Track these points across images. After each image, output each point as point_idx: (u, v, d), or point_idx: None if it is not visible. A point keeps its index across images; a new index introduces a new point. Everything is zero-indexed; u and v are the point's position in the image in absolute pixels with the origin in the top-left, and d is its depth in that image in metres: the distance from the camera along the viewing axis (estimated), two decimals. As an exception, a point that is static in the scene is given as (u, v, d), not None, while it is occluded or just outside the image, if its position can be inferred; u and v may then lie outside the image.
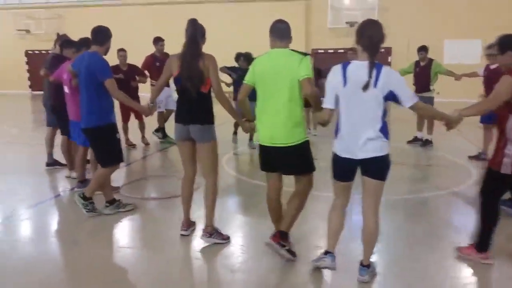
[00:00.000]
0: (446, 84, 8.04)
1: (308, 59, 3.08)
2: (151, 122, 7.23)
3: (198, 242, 3.69)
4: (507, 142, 3.11)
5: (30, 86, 21.83)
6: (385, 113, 2.85)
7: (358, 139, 2.83)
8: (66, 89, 4.90)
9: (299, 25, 17.47)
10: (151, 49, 7.90)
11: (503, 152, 3.11)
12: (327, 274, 3.13)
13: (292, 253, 3.28)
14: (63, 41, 5.50)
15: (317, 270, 3.14)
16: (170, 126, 7.22)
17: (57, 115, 5.49)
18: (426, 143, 7.73)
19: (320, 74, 8.74)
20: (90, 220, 4.14)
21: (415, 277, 3.10)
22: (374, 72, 2.74)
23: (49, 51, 6.10)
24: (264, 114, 3.22)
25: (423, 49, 7.73)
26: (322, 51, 17.80)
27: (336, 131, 2.98)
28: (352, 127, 2.86)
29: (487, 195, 3.29)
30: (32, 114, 13.63)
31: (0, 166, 6.44)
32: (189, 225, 3.84)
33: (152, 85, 7.75)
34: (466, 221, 3.90)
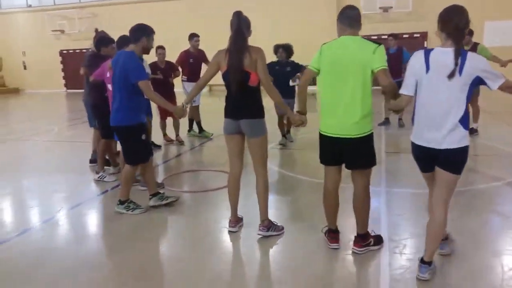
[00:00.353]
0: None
1: (382, 49, 2.94)
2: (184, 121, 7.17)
3: (249, 237, 3.62)
4: None
5: (65, 85, 22.49)
6: (467, 100, 2.68)
7: (438, 128, 2.69)
8: (109, 87, 4.78)
9: (331, 12, 17.11)
10: (187, 45, 7.87)
11: None
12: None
13: (379, 242, 3.32)
14: (98, 39, 5.44)
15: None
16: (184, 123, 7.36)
17: (98, 115, 5.43)
18: (472, 131, 7.35)
19: None
20: (134, 217, 4.14)
21: (466, 274, 2.91)
22: (459, 60, 2.59)
23: (89, 49, 6.04)
24: (333, 103, 3.07)
25: (468, 33, 7.29)
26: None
27: (413, 118, 2.85)
28: (433, 115, 2.72)
29: None
30: (70, 113, 13.95)
31: (43, 164, 6.58)
32: (237, 221, 3.78)
33: (183, 81, 7.78)
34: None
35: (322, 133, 3.17)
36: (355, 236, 3.30)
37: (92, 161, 6.15)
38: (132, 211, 4.21)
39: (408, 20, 16.52)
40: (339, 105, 3.02)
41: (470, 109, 7.23)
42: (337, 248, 3.30)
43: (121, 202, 4.23)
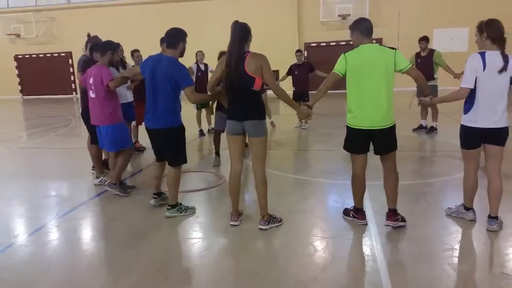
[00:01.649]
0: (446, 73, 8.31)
1: (399, 52, 3.57)
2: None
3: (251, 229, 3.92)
4: None
5: (21, 91, 21.70)
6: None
7: (495, 112, 3.53)
8: (91, 94, 4.83)
9: (291, 19, 17.79)
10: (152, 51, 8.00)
11: None
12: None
13: (403, 219, 3.82)
14: (92, 45, 5.36)
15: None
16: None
17: (86, 121, 5.35)
18: (432, 130, 8.10)
19: (312, 67, 9.15)
20: (138, 216, 4.35)
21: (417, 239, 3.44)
22: (503, 59, 3.44)
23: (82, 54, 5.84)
24: (363, 101, 3.57)
25: (424, 39, 7.95)
26: (315, 44, 18.12)
27: (468, 107, 3.60)
28: (490, 103, 3.52)
29: None
30: (30, 120, 13.52)
31: (28, 171, 6.54)
32: (238, 215, 4.05)
33: None
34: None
35: (353, 127, 3.66)
36: (388, 212, 3.79)
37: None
38: (185, 212, 4.30)
39: (365, 27, 17.43)
40: (370, 102, 3.56)
41: (430, 110, 7.99)
42: (366, 224, 3.87)
43: (172, 206, 4.29)
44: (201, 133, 8.73)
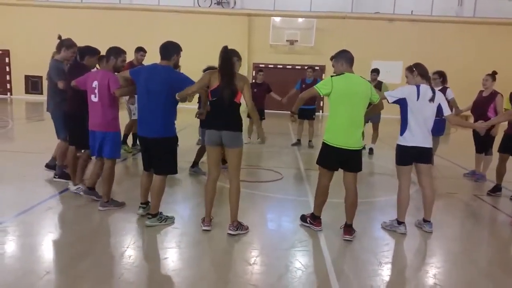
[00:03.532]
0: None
1: (372, 86, 4.15)
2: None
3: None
4: None
5: None
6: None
7: (424, 133, 4.26)
8: (93, 98, 4.65)
9: (242, 40, 18.28)
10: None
11: None
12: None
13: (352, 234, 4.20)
14: (83, 49, 5.25)
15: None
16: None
17: (73, 124, 5.17)
18: (371, 151, 8.85)
19: (269, 89, 9.53)
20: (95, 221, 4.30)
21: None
22: (431, 92, 4.25)
23: (54, 57, 5.65)
24: (342, 123, 4.02)
25: (375, 71, 8.69)
26: (263, 65, 18.71)
27: (403, 129, 4.30)
28: (422, 126, 4.25)
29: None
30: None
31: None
32: (210, 221, 4.24)
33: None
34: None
35: (331, 144, 4.06)
36: (345, 227, 4.18)
37: (51, 166, 5.98)
38: (165, 222, 4.34)
39: (310, 53, 18.41)
40: (347, 124, 4.00)
41: (371, 132, 8.68)
42: (321, 230, 4.31)
43: (153, 215, 4.30)
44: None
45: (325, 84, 4.03)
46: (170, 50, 4.20)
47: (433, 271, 3.62)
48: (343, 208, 4.22)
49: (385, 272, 3.56)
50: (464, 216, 5.27)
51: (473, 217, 5.24)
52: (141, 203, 4.59)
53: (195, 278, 3.32)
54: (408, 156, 4.31)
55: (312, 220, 4.37)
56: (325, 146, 4.13)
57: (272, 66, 18.78)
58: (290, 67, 18.62)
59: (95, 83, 4.61)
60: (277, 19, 18.55)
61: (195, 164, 6.51)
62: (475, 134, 6.77)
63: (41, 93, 20.00)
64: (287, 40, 18.13)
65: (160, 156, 4.24)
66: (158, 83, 4.08)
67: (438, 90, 7.69)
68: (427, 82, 4.29)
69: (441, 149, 8.39)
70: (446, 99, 8.03)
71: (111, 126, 4.67)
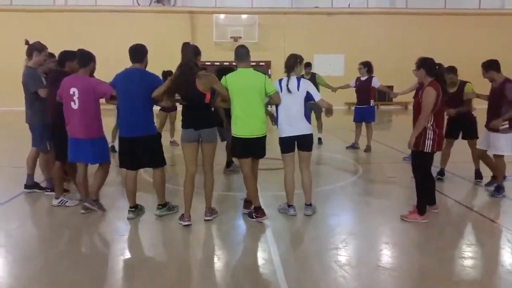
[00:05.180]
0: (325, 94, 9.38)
1: (267, 77, 4.39)
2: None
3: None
4: (425, 130, 4.29)
5: None
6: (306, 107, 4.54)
7: (294, 122, 4.47)
8: (73, 105, 4.46)
9: (185, 38, 17.90)
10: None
11: (425, 137, 4.29)
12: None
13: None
14: (63, 54, 4.97)
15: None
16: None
17: (57, 136, 4.82)
18: (319, 141, 9.21)
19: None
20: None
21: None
22: (296, 82, 4.44)
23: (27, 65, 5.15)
24: (239, 115, 4.29)
25: (309, 64, 8.98)
26: (209, 63, 18.58)
27: (276, 122, 4.56)
28: (290, 116, 4.46)
29: (419, 172, 4.47)
30: None
31: None
32: (190, 216, 4.37)
33: None
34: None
35: (237, 136, 4.36)
36: (256, 207, 4.47)
37: (29, 186, 5.43)
38: (173, 210, 4.68)
39: (254, 50, 18.36)
40: (247, 115, 4.30)
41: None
42: (267, 218, 4.46)
43: (163, 205, 4.62)
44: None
45: (222, 82, 4.34)
46: (142, 52, 4.39)
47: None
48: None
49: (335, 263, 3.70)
50: (400, 202, 5.52)
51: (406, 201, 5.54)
52: (130, 207, 4.58)
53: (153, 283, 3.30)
54: (287, 145, 4.53)
55: (256, 213, 4.47)
56: (233, 138, 4.47)
57: (218, 63, 18.67)
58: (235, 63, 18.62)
59: (72, 90, 4.44)
60: (220, 16, 18.53)
61: (229, 164, 6.60)
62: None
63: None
64: (231, 37, 18.14)
65: (148, 152, 4.44)
66: (136, 84, 4.27)
67: (365, 79, 8.38)
68: (288, 73, 4.48)
69: (380, 135, 8.80)
70: (373, 87, 8.46)
71: (100, 131, 4.65)
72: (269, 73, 18.22)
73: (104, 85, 4.55)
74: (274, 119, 4.66)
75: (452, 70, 5.71)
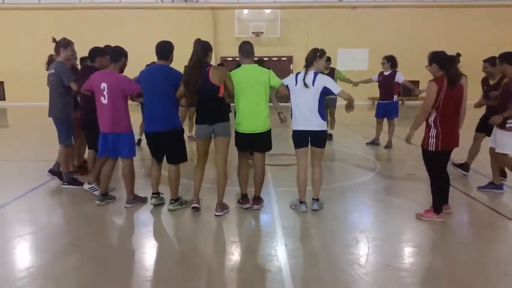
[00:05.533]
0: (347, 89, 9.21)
1: (272, 71, 4.42)
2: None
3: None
4: (430, 128, 4.15)
5: None
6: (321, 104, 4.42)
7: (308, 117, 4.42)
8: (103, 100, 4.55)
9: (207, 34, 18.11)
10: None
11: (428, 135, 4.17)
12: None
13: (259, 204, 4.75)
14: (93, 50, 5.19)
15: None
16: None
17: (90, 128, 5.05)
18: (330, 137, 9.01)
19: None
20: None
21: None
22: (313, 76, 4.35)
23: (55, 60, 5.43)
24: (247, 110, 4.37)
25: (328, 59, 8.82)
26: (231, 58, 18.59)
27: (291, 115, 4.50)
28: (304, 110, 4.39)
29: (431, 171, 4.33)
30: None
31: None
32: (198, 199, 4.64)
33: None
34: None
35: (240, 131, 4.46)
36: (254, 199, 4.71)
37: (55, 172, 5.75)
38: (185, 205, 4.75)
39: (277, 45, 18.44)
40: (250, 111, 4.37)
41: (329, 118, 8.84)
42: (250, 207, 4.68)
43: (175, 200, 4.71)
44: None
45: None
46: (169, 49, 4.46)
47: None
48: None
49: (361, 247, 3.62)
50: (418, 199, 5.35)
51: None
52: (153, 193, 4.81)
53: (162, 273, 3.32)
54: (299, 139, 4.50)
55: (242, 200, 4.72)
56: (237, 133, 4.52)
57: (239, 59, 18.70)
58: (256, 58, 18.50)
59: (103, 85, 4.52)
60: (242, 11, 18.48)
61: None
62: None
63: (3, 99, 19.45)
64: (252, 32, 18.07)
65: (171, 147, 4.56)
66: (161, 80, 4.37)
67: (388, 73, 8.15)
68: (307, 67, 4.40)
69: (403, 131, 8.55)
70: (397, 82, 8.24)
71: (124, 127, 4.66)
72: (291, 68, 18.11)
73: (132, 82, 4.60)
74: (283, 119, 4.63)
75: (489, 60, 5.51)
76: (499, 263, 3.54)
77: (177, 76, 4.39)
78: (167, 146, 4.55)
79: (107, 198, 4.92)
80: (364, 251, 3.73)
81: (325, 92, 4.37)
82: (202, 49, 4.22)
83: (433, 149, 4.15)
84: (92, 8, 18.47)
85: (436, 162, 4.27)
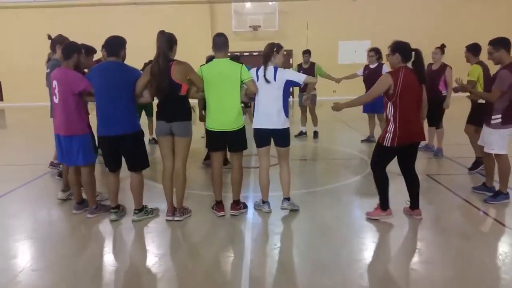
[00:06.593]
0: (332, 86, 8.84)
1: (244, 66, 4.13)
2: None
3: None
4: (388, 122, 3.93)
5: None
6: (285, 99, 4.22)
7: (271, 115, 4.20)
8: (55, 99, 4.28)
9: (205, 29, 17.81)
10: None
11: (386, 130, 3.94)
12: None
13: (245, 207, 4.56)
14: (85, 49, 4.87)
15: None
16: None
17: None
18: (315, 134, 8.78)
19: None
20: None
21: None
22: (273, 71, 4.13)
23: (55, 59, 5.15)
24: (217, 107, 4.11)
25: (307, 52, 8.52)
26: (229, 53, 18.25)
27: (253, 112, 4.35)
28: (267, 107, 4.19)
29: (376, 166, 4.11)
30: None
31: None
32: (174, 210, 4.29)
33: None
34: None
35: (210, 129, 4.19)
36: (232, 203, 4.40)
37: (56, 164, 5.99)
38: (151, 214, 4.40)
39: (275, 38, 17.94)
40: (219, 107, 4.12)
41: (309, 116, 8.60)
42: (224, 215, 4.37)
43: (140, 210, 4.32)
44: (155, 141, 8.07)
45: (198, 72, 4.14)
46: (119, 45, 4.10)
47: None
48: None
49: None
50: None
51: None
52: (112, 208, 4.35)
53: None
54: (260, 138, 4.28)
55: (216, 206, 4.41)
56: (207, 131, 4.26)
57: (238, 53, 18.24)
58: (256, 53, 18.21)
59: (54, 83, 4.24)
60: (239, 4, 18.09)
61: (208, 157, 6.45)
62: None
63: (1, 99, 19.36)
64: (250, 26, 17.70)
65: (130, 152, 4.16)
66: (114, 78, 3.98)
67: (374, 67, 7.75)
68: (265, 63, 4.15)
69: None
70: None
71: (77, 129, 4.25)
72: (291, 62, 17.70)
73: (82, 80, 4.17)
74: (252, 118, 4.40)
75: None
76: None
77: (133, 73, 4.06)
78: (128, 151, 4.14)
79: (83, 207, 4.57)
80: (328, 250, 3.41)
81: (290, 85, 4.19)
82: (167, 41, 3.93)
83: (388, 145, 3.92)
84: (88, 5, 18.19)
85: (386, 158, 4.07)
